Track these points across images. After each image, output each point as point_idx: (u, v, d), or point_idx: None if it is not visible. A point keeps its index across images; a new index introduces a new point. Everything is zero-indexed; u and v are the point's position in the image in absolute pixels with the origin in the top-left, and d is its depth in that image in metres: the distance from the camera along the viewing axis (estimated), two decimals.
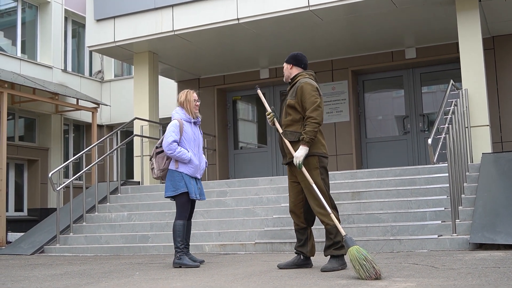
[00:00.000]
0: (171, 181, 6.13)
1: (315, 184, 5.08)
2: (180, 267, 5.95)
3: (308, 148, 5.11)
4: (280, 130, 5.35)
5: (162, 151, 6.19)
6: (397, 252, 6.60)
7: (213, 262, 6.36)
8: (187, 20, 10.52)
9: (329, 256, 5.14)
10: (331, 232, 5.07)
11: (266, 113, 5.54)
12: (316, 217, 5.26)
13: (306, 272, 4.99)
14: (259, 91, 5.76)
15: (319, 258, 5.50)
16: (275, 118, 5.44)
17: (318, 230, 6.70)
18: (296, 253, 5.40)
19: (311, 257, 5.41)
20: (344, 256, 5.05)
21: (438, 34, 11.03)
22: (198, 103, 6.40)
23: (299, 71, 5.47)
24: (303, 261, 5.34)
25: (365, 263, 4.39)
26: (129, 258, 7.59)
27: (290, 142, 5.21)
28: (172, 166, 6.16)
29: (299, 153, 5.10)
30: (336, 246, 5.06)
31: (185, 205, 6.15)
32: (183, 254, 6.03)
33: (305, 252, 5.33)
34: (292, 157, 5.17)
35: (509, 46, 11.10)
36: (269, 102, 6.44)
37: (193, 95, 6.38)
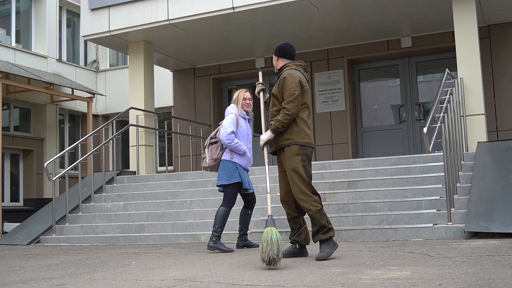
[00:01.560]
0: (224, 171, 6.40)
1: (295, 171, 5.14)
2: (215, 250, 6.29)
3: (272, 135, 5.26)
4: (262, 100, 5.60)
5: (216, 142, 6.49)
6: (393, 240, 6.62)
7: (209, 252, 6.37)
8: (182, 9, 10.47)
9: (319, 243, 5.16)
10: (315, 217, 5.10)
11: (257, 83, 5.70)
12: (299, 203, 5.23)
13: (302, 261, 5.00)
14: (260, 73, 5.88)
15: (315, 246, 5.51)
16: (262, 92, 5.61)
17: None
18: (291, 242, 5.41)
19: (306, 245, 5.42)
20: (333, 237, 5.13)
21: (434, 23, 11.01)
22: (249, 102, 6.68)
23: (285, 62, 5.49)
24: (298, 250, 5.37)
25: (264, 245, 4.56)
26: (125, 247, 7.60)
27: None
28: (226, 156, 6.45)
29: (264, 136, 5.31)
30: (323, 230, 5.09)
31: (234, 195, 6.53)
32: (219, 239, 6.34)
33: (300, 240, 5.36)
34: (278, 145, 5.29)
35: (504, 35, 11.10)
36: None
37: (245, 94, 6.68)
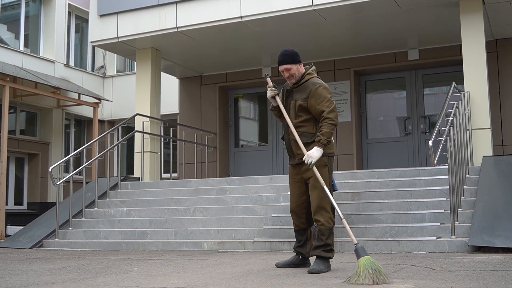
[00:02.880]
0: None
1: (324, 182, 5.02)
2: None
3: (323, 150, 5.02)
4: (281, 105, 5.24)
5: None
6: (396, 253, 6.60)
7: (211, 260, 6.36)
8: (190, 17, 10.51)
9: (315, 257, 5.08)
10: (324, 233, 5.02)
11: (268, 85, 5.35)
12: (314, 215, 5.10)
13: (304, 272, 4.99)
14: (268, 79, 5.49)
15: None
16: (277, 96, 5.30)
17: None
18: (294, 252, 5.38)
19: (309, 258, 5.37)
20: (331, 259, 5.06)
21: (441, 36, 11.01)
22: None
23: (303, 67, 5.29)
24: (301, 261, 5.32)
25: (370, 271, 4.21)
26: (128, 253, 7.59)
27: (303, 143, 5.08)
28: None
29: (315, 154, 4.97)
30: (326, 248, 5.02)
31: None
32: None
33: (304, 252, 5.31)
34: (302, 157, 5.06)
35: None
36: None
37: None
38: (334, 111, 5.07)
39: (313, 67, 5.37)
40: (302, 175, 5.20)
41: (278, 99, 5.32)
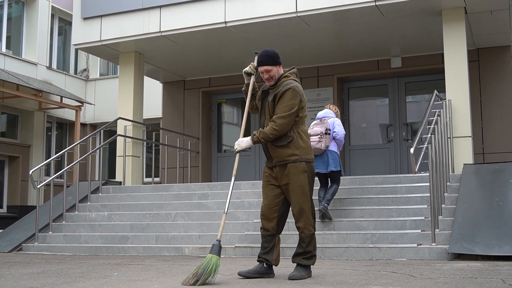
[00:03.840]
0: (335, 160, 7.84)
1: (302, 189, 4.93)
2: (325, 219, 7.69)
3: (252, 144, 5.03)
4: (250, 87, 5.23)
5: (328, 133, 7.84)
6: (376, 260, 6.63)
7: (192, 265, 6.33)
8: (174, 22, 10.50)
9: (296, 264, 4.99)
10: (304, 240, 4.93)
11: (251, 66, 5.24)
12: (296, 222, 5.00)
13: (276, 281, 4.94)
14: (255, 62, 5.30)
15: (279, 270, 5.38)
16: (253, 77, 5.22)
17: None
18: (259, 260, 5.06)
19: (274, 267, 5.11)
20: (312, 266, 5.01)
21: (424, 44, 11.12)
22: None
23: (284, 70, 5.20)
24: (265, 270, 5.01)
25: (198, 271, 4.61)
26: (108, 258, 7.54)
27: (278, 146, 4.97)
28: (335, 148, 7.94)
29: (243, 143, 5.06)
30: (307, 255, 4.94)
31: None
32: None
33: (270, 260, 4.98)
34: (281, 160, 4.97)
35: (493, 59, 11.21)
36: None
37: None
38: (285, 118, 4.89)
39: (294, 69, 5.24)
40: (278, 179, 5.04)
41: (252, 80, 5.22)
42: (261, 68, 5.12)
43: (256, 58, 5.24)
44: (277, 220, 5.04)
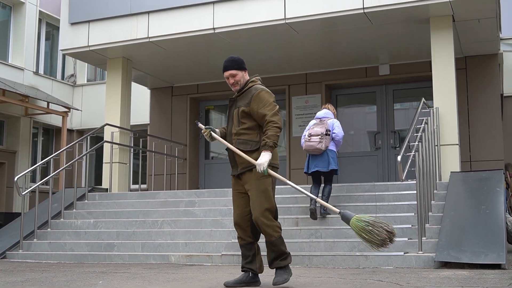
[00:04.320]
0: (334, 159, 8.11)
1: (265, 193, 4.90)
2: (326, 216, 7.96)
3: (271, 153, 4.87)
4: (225, 142, 5.13)
5: (329, 134, 8.10)
6: (363, 268, 6.63)
7: (179, 273, 6.31)
8: (162, 28, 10.49)
9: (275, 269, 4.96)
10: (275, 244, 4.89)
11: (202, 131, 5.26)
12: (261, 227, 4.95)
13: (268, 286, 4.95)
14: (200, 125, 5.42)
15: (266, 276, 5.35)
16: (212, 132, 5.21)
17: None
18: (243, 270, 5.08)
19: (259, 274, 5.12)
20: (289, 264, 4.97)
21: (412, 52, 11.17)
22: None
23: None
24: (251, 279, 5.02)
25: (371, 228, 4.44)
26: (93, 266, 7.49)
27: (244, 151, 4.95)
28: (333, 148, 8.18)
29: (263, 159, 4.82)
30: (282, 257, 4.92)
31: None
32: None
33: (254, 269, 5.03)
34: (246, 166, 4.95)
35: (481, 67, 11.28)
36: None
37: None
38: (277, 114, 4.95)
39: (258, 77, 5.29)
40: (244, 186, 5.04)
41: (216, 135, 5.22)
42: (226, 73, 5.16)
43: (199, 125, 5.38)
44: (251, 228, 5.05)
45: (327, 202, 7.81)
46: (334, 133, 8.16)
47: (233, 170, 5.12)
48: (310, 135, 8.13)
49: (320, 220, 7.94)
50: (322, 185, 8.23)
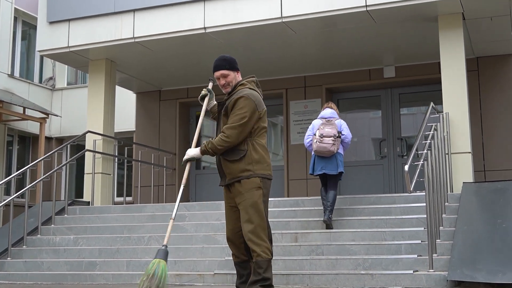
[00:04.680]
0: (342, 162, 8.35)
1: (254, 207, 4.87)
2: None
3: (200, 155, 5.11)
4: (202, 113, 5.33)
5: (340, 136, 8.29)
6: (369, 287, 6.58)
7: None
8: (149, 27, 10.45)
9: None
10: (261, 265, 4.83)
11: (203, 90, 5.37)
12: (250, 245, 4.92)
13: None
14: (210, 84, 5.48)
15: None
16: (207, 95, 5.33)
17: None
18: None
19: None
20: None
21: (419, 52, 11.16)
22: None
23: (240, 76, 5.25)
24: None
25: (144, 279, 4.57)
26: (73, 287, 7.40)
27: (231, 160, 4.99)
28: (341, 150, 8.39)
29: (191, 152, 5.15)
30: (265, 282, 4.84)
31: None
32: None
33: None
34: (234, 177, 4.98)
35: (494, 68, 11.29)
36: None
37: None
38: (235, 129, 4.92)
39: (254, 78, 5.26)
40: (234, 199, 5.04)
41: (205, 101, 5.36)
42: (217, 73, 5.20)
43: (210, 83, 5.41)
44: (245, 245, 5.02)
45: (332, 209, 8.09)
46: (343, 135, 8.35)
47: (221, 180, 5.15)
48: (322, 136, 8.21)
49: (321, 235, 7.89)
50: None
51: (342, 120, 8.54)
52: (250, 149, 4.96)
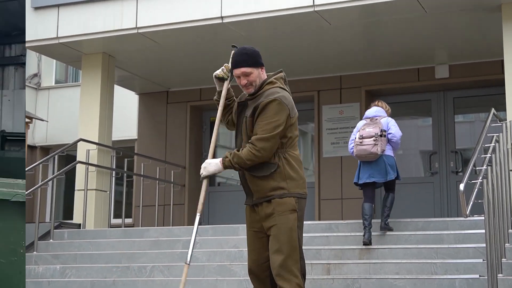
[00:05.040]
0: (392, 166, 8.56)
1: (288, 234, 4.73)
2: (386, 232, 8.58)
3: (222, 169, 4.90)
4: (222, 101, 5.21)
5: (384, 135, 8.46)
6: None
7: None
8: (155, 16, 10.54)
9: None
10: None
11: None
12: (278, 280, 4.77)
13: None
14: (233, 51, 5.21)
15: None
16: (226, 82, 5.19)
17: None
18: None
19: None
20: None
21: (478, 48, 11.17)
22: None
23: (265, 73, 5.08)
24: None
25: None
26: None
27: (259, 176, 4.84)
28: (391, 152, 8.62)
29: (211, 167, 4.93)
30: None
31: None
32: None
33: None
34: (264, 196, 4.83)
35: None
36: None
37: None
38: (269, 140, 4.75)
39: (282, 73, 5.11)
40: (262, 223, 4.89)
41: (225, 87, 5.20)
42: (236, 71, 5.01)
43: (232, 55, 5.14)
44: (271, 279, 4.93)
45: (389, 214, 8.61)
46: (390, 133, 8.54)
47: (247, 199, 5.01)
48: (361, 137, 8.47)
49: (358, 266, 7.92)
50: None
51: (389, 118, 8.79)
52: (283, 163, 4.83)
